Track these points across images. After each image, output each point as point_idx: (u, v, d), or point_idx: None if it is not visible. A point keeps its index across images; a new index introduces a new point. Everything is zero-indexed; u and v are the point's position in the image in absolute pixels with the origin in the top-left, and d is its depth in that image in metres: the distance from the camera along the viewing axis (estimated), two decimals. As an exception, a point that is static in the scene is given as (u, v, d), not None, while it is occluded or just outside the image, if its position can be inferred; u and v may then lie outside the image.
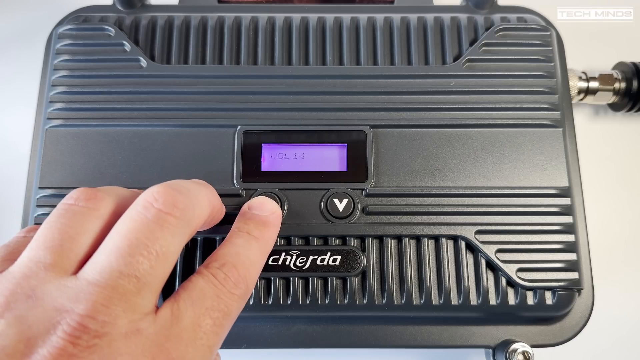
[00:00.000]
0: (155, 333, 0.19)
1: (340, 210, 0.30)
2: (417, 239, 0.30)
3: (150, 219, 0.20)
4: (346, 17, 0.34)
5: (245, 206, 0.27)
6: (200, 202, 0.23)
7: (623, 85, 0.36)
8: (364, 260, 0.29)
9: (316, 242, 0.30)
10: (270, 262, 0.29)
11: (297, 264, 0.29)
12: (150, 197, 0.21)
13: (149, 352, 0.19)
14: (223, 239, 0.29)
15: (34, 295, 0.18)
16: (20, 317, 0.18)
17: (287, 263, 0.29)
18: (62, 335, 0.17)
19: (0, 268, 0.20)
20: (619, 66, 0.37)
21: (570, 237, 0.30)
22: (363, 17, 0.34)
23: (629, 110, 0.37)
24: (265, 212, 0.26)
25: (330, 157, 0.31)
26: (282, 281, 0.29)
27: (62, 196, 0.30)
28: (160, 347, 0.19)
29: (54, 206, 0.30)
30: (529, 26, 0.34)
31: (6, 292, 0.19)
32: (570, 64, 0.35)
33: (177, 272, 0.29)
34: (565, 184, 0.31)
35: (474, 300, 0.29)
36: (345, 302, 0.29)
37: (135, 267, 0.19)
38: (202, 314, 0.20)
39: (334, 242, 0.29)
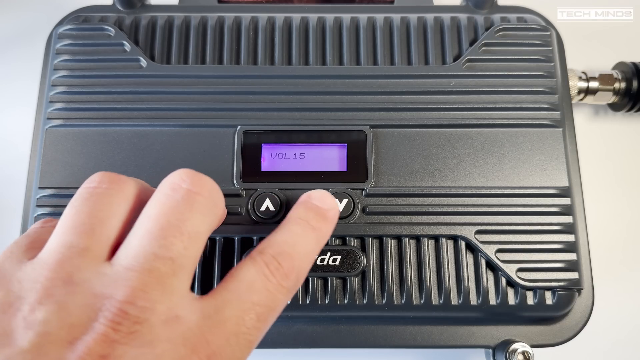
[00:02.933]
0: (196, 322, 0.19)
1: (340, 210, 0.30)
2: (417, 239, 0.30)
3: (180, 200, 0.20)
4: (346, 17, 0.34)
5: (305, 196, 0.25)
6: (220, 192, 0.22)
7: (623, 85, 0.36)
8: (364, 260, 0.29)
9: (316, 242, 0.29)
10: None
11: (297, 264, 0.29)
12: (177, 179, 0.21)
13: (189, 342, 0.18)
14: (223, 238, 0.29)
15: (71, 281, 0.18)
16: (60, 304, 0.18)
17: (287, 263, 0.29)
18: (104, 322, 0.17)
19: (28, 256, 0.20)
20: (619, 66, 0.37)
21: (570, 237, 0.30)
22: (363, 17, 0.34)
23: (629, 110, 0.37)
24: (325, 205, 0.25)
25: (330, 157, 0.31)
26: (282, 281, 0.29)
27: (62, 196, 0.30)
28: (200, 337, 0.19)
29: (54, 206, 0.30)
30: (529, 26, 0.34)
31: (42, 278, 0.18)
32: (570, 64, 0.35)
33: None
34: (565, 184, 0.31)
35: (474, 300, 0.29)
36: (345, 302, 0.29)
37: (169, 248, 0.19)
38: (248, 308, 0.20)
39: (334, 242, 0.29)
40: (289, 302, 0.22)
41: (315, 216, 0.24)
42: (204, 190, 0.21)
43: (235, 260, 0.29)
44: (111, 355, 0.17)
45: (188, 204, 0.20)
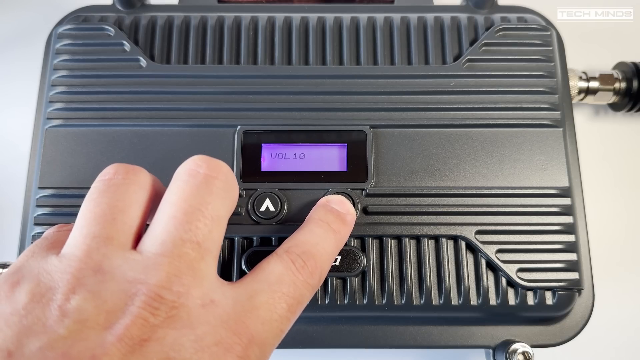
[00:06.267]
0: (232, 306, 0.19)
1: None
2: (417, 239, 0.30)
3: (199, 185, 0.20)
4: (346, 17, 0.34)
5: (324, 199, 0.27)
6: (235, 179, 0.23)
7: (623, 85, 0.36)
8: (364, 260, 0.29)
9: (316, 242, 0.29)
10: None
11: (297, 264, 0.29)
12: (193, 165, 0.21)
13: (228, 325, 0.18)
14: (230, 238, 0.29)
15: (101, 270, 0.18)
16: (94, 292, 0.18)
17: (287, 263, 0.29)
18: (141, 305, 0.17)
19: (52, 253, 0.20)
20: (619, 66, 0.37)
21: (570, 237, 0.30)
22: (363, 17, 0.34)
23: (629, 110, 0.37)
24: (344, 210, 0.26)
25: (330, 157, 0.31)
26: (282, 281, 0.29)
27: (62, 196, 0.30)
28: (237, 320, 0.19)
29: (54, 206, 0.30)
30: (529, 26, 0.34)
31: (71, 269, 0.18)
32: (570, 64, 0.35)
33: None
34: (566, 184, 0.31)
35: (474, 300, 0.29)
36: (345, 302, 0.29)
37: (195, 232, 0.19)
38: (278, 297, 0.20)
39: (334, 242, 0.29)
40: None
41: (335, 219, 0.25)
42: (221, 174, 0.21)
43: (235, 260, 0.29)
44: (151, 338, 0.17)
45: (207, 188, 0.20)
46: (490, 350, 0.30)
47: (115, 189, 0.21)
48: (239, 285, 0.20)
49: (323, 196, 0.30)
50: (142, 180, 0.22)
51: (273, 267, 0.21)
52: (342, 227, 0.25)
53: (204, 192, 0.20)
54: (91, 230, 0.19)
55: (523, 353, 0.28)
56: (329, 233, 0.24)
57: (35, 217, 0.30)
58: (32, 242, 0.29)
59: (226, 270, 0.29)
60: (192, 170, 0.21)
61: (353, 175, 0.30)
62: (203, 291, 0.19)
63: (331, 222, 0.25)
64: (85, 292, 0.18)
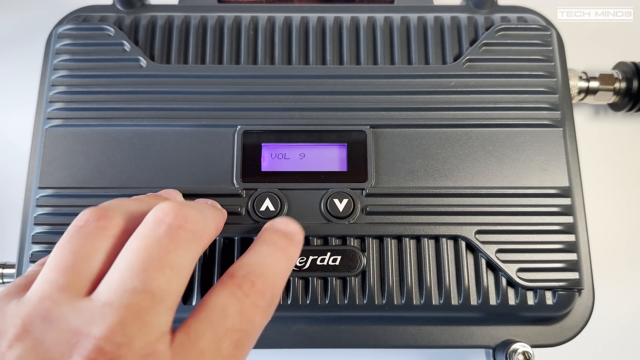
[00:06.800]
0: (171, 357, 0.19)
1: (340, 210, 0.30)
2: (417, 239, 0.30)
3: (162, 234, 0.20)
4: (346, 16, 0.34)
5: (268, 223, 0.26)
6: (208, 218, 0.23)
7: (623, 85, 0.36)
8: (364, 260, 0.29)
9: (316, 242, 0.29)
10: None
11: (297, 264, 0.29)
12: (160, 213, 0.21)
13: None
14: (223, 238, 0.29)
15: (49, 317, 0.18)
16: (38, 340, 0.18)
17: (287, 263, 0.29)
18: (80, 358, 0.17)
19: (19, 295, 0.20)
20: (619, 66, 0.37)
21: (570, 237, 0.30)
22: (363, 17, 0.34)
23: (630, 110, 0.37)
24: (290, 229, 0.25)
25: (330, 157, 0.31)
26: (282, 281, 0.29)
27: (62, 196, 0.30)
28: None
29: (54, 206, 0.30)
30: (529, 26, 0.34)
31: (22, 314, 0.19)
32: (570, 64, 0.35)
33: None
34: (566, 183, 0.31)
35: (474, 300, 0.29)
36: (345, 302, 0.29)
37: (149, 282, 0.19)
38: (222, 336, 0.20)
39: (334, 242, 0.29)
40: (268, 322, 0.22)
41: (282, 237, 0.24)
42: (187, 223, 0.21)
43: (235, 260, 0.29)
44: None
45: (170, 238, 0.20)
46: (490, 350, 0.30)
47: (82, 236, 0.21)
48: (185, 330, 0.20)
49: (322, 197, 0.30)
50: (112, 227, 0.21)
51: (216, 300, 0.21)
52: (291, 245, 0.24)
53: (166, 241, 0.20)
54: (50, 277, 0.20)
55: (523, 353, 0.28)
56: (277, 251, 0.23)
57: (35, 217, 0.30)
58: (32, 242, 0.29)
59: (225, 272, 0.29)
60: (157, 218, 0.21)
61: (353, 175, 0.30)
62: (146, 342, 0.18)
63: (278, 241, 0.24)
64: (29, 340, 0.18)
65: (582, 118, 0.39)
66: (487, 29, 0.34)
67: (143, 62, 0.32)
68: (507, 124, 0.32)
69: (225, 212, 0.27)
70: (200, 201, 0.28)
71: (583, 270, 0.29)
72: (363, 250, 0.29)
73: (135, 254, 0.19)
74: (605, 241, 0.36)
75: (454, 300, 0.29)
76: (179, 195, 0.28)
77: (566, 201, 0.30)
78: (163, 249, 0.20)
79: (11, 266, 0.31)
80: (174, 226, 0.20)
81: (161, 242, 0.20)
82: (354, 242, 0.29)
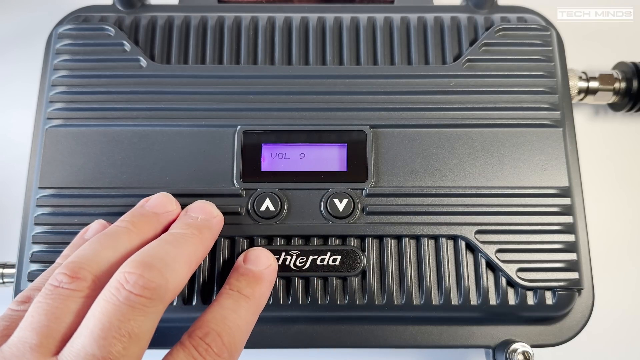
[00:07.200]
0: None
1: (340, 210, 0.30)
2: (417, 239, 0.30)
3: (122, 301, 0.21)
4: (346, 17, 0.34)
5: (240, 258, 0.27)
6: (176, 272, 0.23)
7: (623, 85, 0.36)
8: (364, 260, 0.29)
9: (316, 242, 0.29)
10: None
11: (297, 264, 0.29)
12: (122, 278, 0.21)
13: None
14: (223, 238, 0.29)
15: None
16: None
17: (287, 263, 0.29)
18: None
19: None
20: (619, 66, 0.37)
21: (570, 237, 0.30)
22: (363, 17, 0.34)
23: (629, 110, 0.37)
24: (260, 266, 0.26)
25: (330, 157, 0.31)
26: (282, 281, 0.29)
27: (62, 196, 0.30)
28: None
29: (54, 206, 0.30)
30: (529, 26, 0.34)
31: None
32: (570, 64, 0.35)
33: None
34: (566, 183, 0.31)
35: (474, 300, 0.29)
36: (345, 302, 0.29)
37: (108, 349, 0.20)
38: None
39: (334, 242, 0.29)
40: None
41: (248, 283, 0.25)
42: (146, 292, 0.21)
43: (235, 260, 0.29)
44: None
45: (129, 306, 0.21)
46: (490, 350, 0.30)
47: (56, 296, 0.21)
48: None
49: (322, 197, 0.30)
50: (83, 288, 0.22)
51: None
52: (257, 289, 0.25)
53: (125, 308, 0.21)
54: (24, 335, 0.20)
55: (523, 353, 0.28)
56: (240, 302, 0.24)
57: (35, 217, 0.30)
58: (32, 242, 0.30)
59: (225, 271, 0.29)
60: (118, 284, 0.21)
61: (353, 175, 0.30)
62: None
63: (242, 289, 0.25)
64: None
65: (582, 118, 0.39)
66: (487, 29, 0.34)
67: (143, 62, 0.32)
68: (507, 124, 0.32)
69: (221, 217, 0.27)
70: (198, 203, 0.28)
71: (583, 270, 0.29)
72: (363, 250, 0.29)
73: (95, 320, 0.20)
74: (605, 241, 0.36)
75: (454, 300, 0.29)
76: (169, 204, 0.27)
77: (566, 201, 0.30)
78: (122, 316, 0.20)
79: (11, 266, 0.32)
80: (133, 294, 0.21)
81: (120, 310, 0.20)
82: (354, 242, 0.30)
